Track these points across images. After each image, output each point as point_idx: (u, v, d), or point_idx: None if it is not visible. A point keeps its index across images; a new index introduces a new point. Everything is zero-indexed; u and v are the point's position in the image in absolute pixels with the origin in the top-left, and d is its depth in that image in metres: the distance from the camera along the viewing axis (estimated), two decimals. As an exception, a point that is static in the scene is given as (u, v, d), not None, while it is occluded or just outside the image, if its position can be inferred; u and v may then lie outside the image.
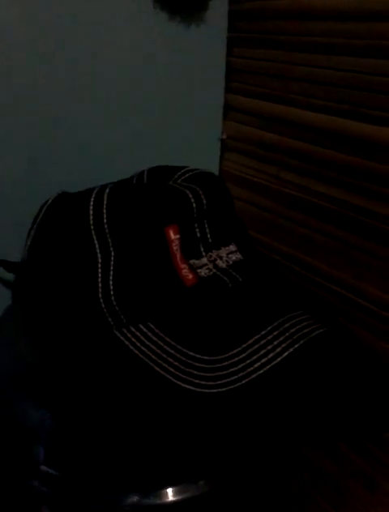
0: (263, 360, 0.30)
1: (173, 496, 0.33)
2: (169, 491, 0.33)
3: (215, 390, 0.29)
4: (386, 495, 0.40)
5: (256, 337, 0.31)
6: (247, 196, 0.53)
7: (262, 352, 0.30)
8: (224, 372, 0.30)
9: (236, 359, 0.30)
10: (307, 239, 0.47)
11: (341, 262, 0.44)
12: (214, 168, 0.56)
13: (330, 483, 0.43)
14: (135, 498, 0.33)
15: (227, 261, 0.36)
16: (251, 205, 0.53)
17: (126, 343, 0.33)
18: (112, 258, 0.34)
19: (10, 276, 0.47)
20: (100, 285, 0.34)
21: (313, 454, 0.43)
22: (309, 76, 0.44)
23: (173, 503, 0.33)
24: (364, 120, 0.40)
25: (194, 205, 0.35)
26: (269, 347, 0.30)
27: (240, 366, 0.30)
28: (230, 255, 0.37)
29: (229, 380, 0.30)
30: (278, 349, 0.30)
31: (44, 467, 0.35)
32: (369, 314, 0.42)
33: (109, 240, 0.34)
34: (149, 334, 0.33)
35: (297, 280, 0.47)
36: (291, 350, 0.30)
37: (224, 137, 0.55)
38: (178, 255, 0.34)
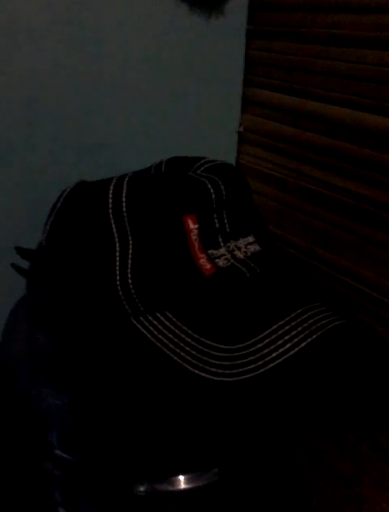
0: (280, 351, 0.30)
1: (186, 483, 0.34)
2: (182, 478, 0.33)
3: (231, 379, 0.29)
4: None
5: (274, 327, 0.31)
6: (264, 189, 0.53)
7: (279, 342, 0.30)
8: (241, 361, 0.30)
9: (253, 348, 0.30)
10: (326, 234, 0.47)
11: (360, 257, 0.44)
12: (231, 161, 0.56)
13: (337, 474, 0.43)
14: (148, 485, 0.33)
15: (245, 252, 0.36)
16: (268, 198, 0.53)
17: (143, 331, 0.33)
18: (130, 247, 0.34)
19: (25, 264, 0.48)
20: (118, 273, 0.34)
21: (322, 445, 0.43)
22: (330, 69, 0.44)
23: (185, 491, 0.34)
24: (385, 114, 0.40)
25: (214, 195, 0.35)
26: (286, 338, 0.30)
27: (257, 356, 0.30)
28: (248, 246, 0.37)
29: (246, 369, 0.30)
30: (295, 340, 0.30)
31: (58, 452, 0.35)
32: (387, 309, 0.42)
33: (128, 228, 0.34)
34: (166, 322, 0.33)
35: (315, 275, 0.47)
36: (308, 341, 0.30)
37: (242, 130, 0.55)
38: (197, 245, 0.34)
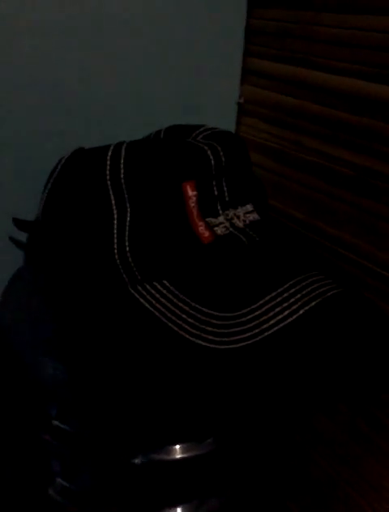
0: (278, 318, 0.30)
1: (182, 453, 0.34)
2: (178, 447, 0.34)
3: (229, 347, 0.29)
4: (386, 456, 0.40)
5: (272, 294, 0.31)
6: (264, 162, 0.52)
7: (277, 310, 0.30)
8: (239, 328, 0.30)
9: (250, 316, 0.30)
10: (325, 206, 0.46)
11: (360, 229, 0.44)
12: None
13: (331, 444, 0.43)
14: (143, 454, 0.34)
15: (244, 220, 0.36)
16: (268, 171, 0.52)
17: (141, 300, 0.33)
18: (128, 214, 0.34)
19: (23, 236, 0.48)
20: (115, 241, 0.34)
21: (315, 416, 0.44)
22: (333, 37, 0.43)
23: (180, 460, 0.34)
24: (387, 82, 0.39)
25: (213, 162, 0.35)
26: (284, 305, 0.30)
27: (254, 323, 0.30)
28: (247, 215, 0.36)
29: (243, 336, 0.30)
30: (293, 307, 0.30)
31: (56, 422, 0.35)
32: (387, 283, 0.42)
33: (126, 195, 0.34)
34: (164, 291, 0.33)
35: (314, 248, 0.47)
36: (306, 308, 0.30)
37: (242, 101, 0.54)
38: (195, 212, 0.34)
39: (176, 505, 0.36)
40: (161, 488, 0.36)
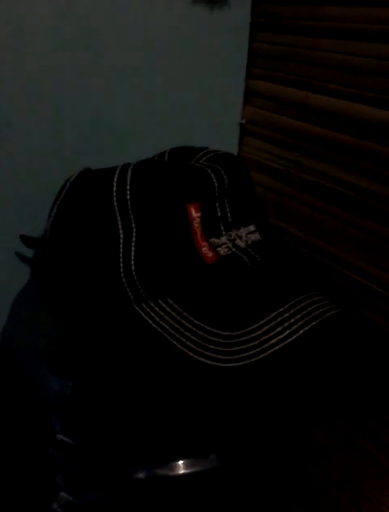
0: (279, 337, 0.30)
1: (185, 468, 0.34)
2: (181, 463, 0.34)
3: (230, 365, 0.30)
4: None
5: (273, 314, 0.31)
6: (265, 181, 0.53)
7: (278, 329, 0.31)
8: (241, 347, 0.30)
9: (252, 335, 0.31)
10: (326, 226, 0.47)
11: (360, 249, 0.44)
12: (232, 152, 0.56)
13: (332, 460, 0.43)
14: (147, 469, 0.34)
15: (246, 240, 0.37)
16: (269, 190, 0.53)
17: (145, 317, 0.33)
18: (134, 234, 0.34)
19: (30, 252, 0.48)
20: (121, 260, 0.34)
21: (317, 433, 0.44)
22: (331, 62, 0.44)
23: (183, 475, 0.34)
24: (385, 106, 0.40)
25: (216, 184, 0.36)
26: (285, 325, 0.31)
27: (256, 342, 0.30)
28: (249, 235, 0.37)
29: (245, 355, 0.30)
30: (294, 327, 0.31)
31: (60, 436, 0.36)
32: (385, 301, 0.42)
33: (132, 216, 0.35)
34: (168, 309, 0.33)
35: (315, 267, 0.47)
36: (307, 328, 0.30)
37: (244, 121, 0.55)
38: (199, 233, 0.35)
39: (178, 521, 0.36)
40: (165, 503, 0.36)
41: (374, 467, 0.42)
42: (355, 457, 0.42)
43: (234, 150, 0.57)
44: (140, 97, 0.49)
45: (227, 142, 0.56)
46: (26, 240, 0.45)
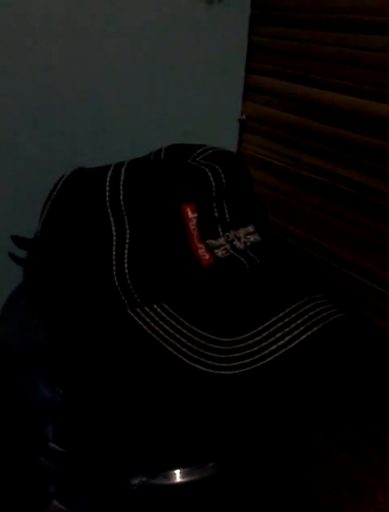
0: (280, 343, 0.29)
1: (181, 477, 0.33)
2: (177, 472, 0.33)
3: (228, 372, 0.29)
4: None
5: (273, 319, 0.30)
6: (265, 179, 0.52)
7: (278, 335, 0.30)
8: (239, 354, 0.29)
9: (251, 341, 0.30)
10: (327, 225, 0.46)
11: (360, 247, 0.44)
12: (232, 149, 0.55)
13: (336, 468, 0.43)
14: (142, 478, 0.33)
15: (245, 242, 0.36)
16: (269, 188, 0.52)
17: (140, 323, 0.32)
18: (127, 236, 0.33)
19: (22, 253, 0.47)
20: (114, 263, 0.33)
21: (320, 440, 0.43)
22: (333, 56, 0.43)
23: (180, 484, 0.33)
24: (387, 101, 0.39)
25: (213, 183, 0.34)
26: (286, 330, 0.30)
27: (255, 349, 0.29)
28: (248, 236, 0.36)
29: (244, 362, 0.29)
30: (295, 332, 0.29)
31: (52, 445, 0.35)
32: (388, 301, 0.41)
33: (125, 217, 0.33)
34: (163, 314, 0.32)
35: (316, 266, 0.47)
36: (308, 333, 0.29)
37: (243, 117, 0.54)
38: (195, 234, 0.34)
39: (175, 530, 0.36)
40: None
41: (374, 470, 0.41)
42: (356, 460, 0.42)
43: (233, 146, 0.56)
44: (138, 93, 0.48)
45: (226, 138, 0.55)
46: (18, 240, 0.44)
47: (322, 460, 0.43)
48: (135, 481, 0.33)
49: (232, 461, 0.35)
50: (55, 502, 0.37)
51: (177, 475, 0.33)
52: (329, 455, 0.43)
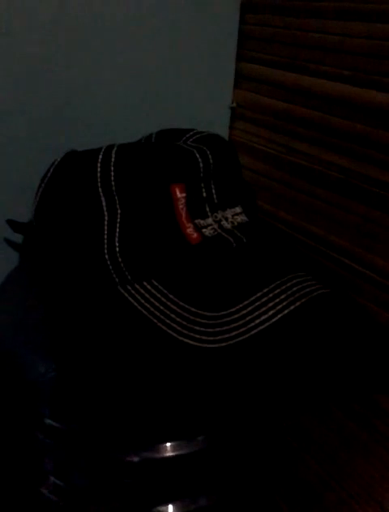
0: (264, 317, 0.30)
1: (172, 451, 0.34)
2: (168, 445, 0.34)
3: (215, 345, 0.30)
4: (380, 459, 0.41)
5: (258, 294, 0.31)
6: (256, 165, 0.53)
7: (263, 309, 0.30)
8: (226, 327, 0.30)
9: (237, 315, 0.31)
10: (316, 210, 0.47)
11: (349, 232, 0.44)
12: (223, 136, 0.56)
13: (321, 444, 0.44)
14: (135, 452, 0.34)
15: (232, 222, 0.37)
16: (259, 174, 0.53)
17: (130, 299, 0.33)
18: (118, 216, 0.34)
19: (18, 237, 0.48)
20: (106, 242, 0.34)
21: (309, 420, 0.44)
22: (322, 43, 0.44)
23: (171, 458, 0.34)
24: (377, 88, 0.40)
25: (201, 165, 0.35)
26: (270, 305, 0.31)
27: (241, 322, 0.30)
28: (235, 216, 0.37)
29: (230, 335, 0.30)
30: (279, 306, 0.30)
31: (48, 420, 0.36)
32: (375, 285, 0.42)
33: (116, 198, 0.34)
34: (153, 291, 0.33)
35: (304, 250, 0.47)
36: (292, 308, 0.30)
37: (234, 105, 0.55)
38: (184, 214, 0.35)
39: (167, 503, 0.36)
40: (153, 485, 0.36)
41: (361, 450, 0.42)
42: (344, 441, 0.43)
43: (225, 134, 0.56)
44: (129, 81, 0.49)
45: (218, 126, 0.55)
46: (13, 225, 0.44)
47: (310, 440, 0.44)
48: (129, 455, 0.34)
49: (220, 435, 0.35)
50: (52, 478, 0.38)
51: (168, 449, 0.34)
52: (318, 436, 0.44)
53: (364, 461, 0.42)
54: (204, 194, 0.36)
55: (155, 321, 0.32)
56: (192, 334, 0.31)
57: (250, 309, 0.31)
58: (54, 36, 0.44)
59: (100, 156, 0.35)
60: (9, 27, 0.42)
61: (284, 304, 0.30)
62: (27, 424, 0.37)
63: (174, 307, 0.32)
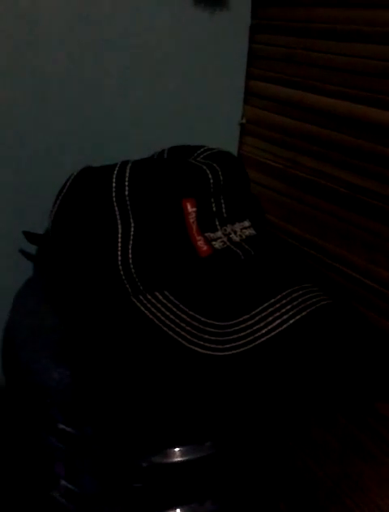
0: (270, 327, 0.31)
1: (181, 456, 0.34)
2: (177, 451, 0.34)
3: (223, 353, 0.31)
4: (382, 464, 0.41)
5: (265, 305, 0.32)
6: (264, 180, 0.54)
7: (269, 319, 0.32)
8: (234, 336, 0.31)
9: (245, 325, 0.32)
10: (322, 223, 0.48)
11: (354, 244, 0.45)
12: (233, 151, 0.57)
13: (331, 456, 0.44)
14: (144, 457, 0.34)
15: (240, 235, 0.38)
16: (268, 189, 0.54)
17: (142, 309, 0.34)
18: (132, 229, 0.36)
19: (33, 248, 0.50)
20: (119, 254, 0.35)
21: (313, 427, 0.44)
22: (328, 63, 0.45)
23: (180, 463, 0.34)
24: (380, 106, 0.41)
25: (212, 180, 0.37)
26: (276, 315, 0.32)
27: (248, 331, 0.31)
28: (244, 230, 0.38)
29: (238, 344, 0.31)
30: (285, 317, 0.31)
31: (61, 425, 0.36)
32: (379, 296, 0.43)
33: (130, 212, 0.36)
34: (164, 301, 0.34)
35: (310, 263, 0.48)
36: (297, 317, 0.31)
37: (244, 121, 0.56)
38: (194, 227, 0.36)
39: (176, 507, 0.37)
40: (161, 490, 0.37)
41: (364, 455, 0.43)
42: (347, 447, 0.43)
43: (234, 149, 0.57)
44: (141, 98, 0.50)
45: (227, 141, 0.57)
46: (29, 236, 0.46)
47: (315, 446, 0.45)
48: (139, 460, 0.34)
49: (229, 440, 0.36)
50: (63, 482, 0.38)
51: (177, 454, 0.34)
52: (322, 442, 0.44)
53: (366, 465, 0.42)
54: (214, 209, 0.37)
55: (165, 329, 0.33)
56: (201, 342, 0.32)
57: (257, 319, 0.32)
58: (70, 54, 0.45)
59: (115, 172, 0.36)
60: (28, 45, 0.43)
61: (290, 314, 0.32)
62: (41, 429, 0.37)
63: (184, 316, 0.33)
